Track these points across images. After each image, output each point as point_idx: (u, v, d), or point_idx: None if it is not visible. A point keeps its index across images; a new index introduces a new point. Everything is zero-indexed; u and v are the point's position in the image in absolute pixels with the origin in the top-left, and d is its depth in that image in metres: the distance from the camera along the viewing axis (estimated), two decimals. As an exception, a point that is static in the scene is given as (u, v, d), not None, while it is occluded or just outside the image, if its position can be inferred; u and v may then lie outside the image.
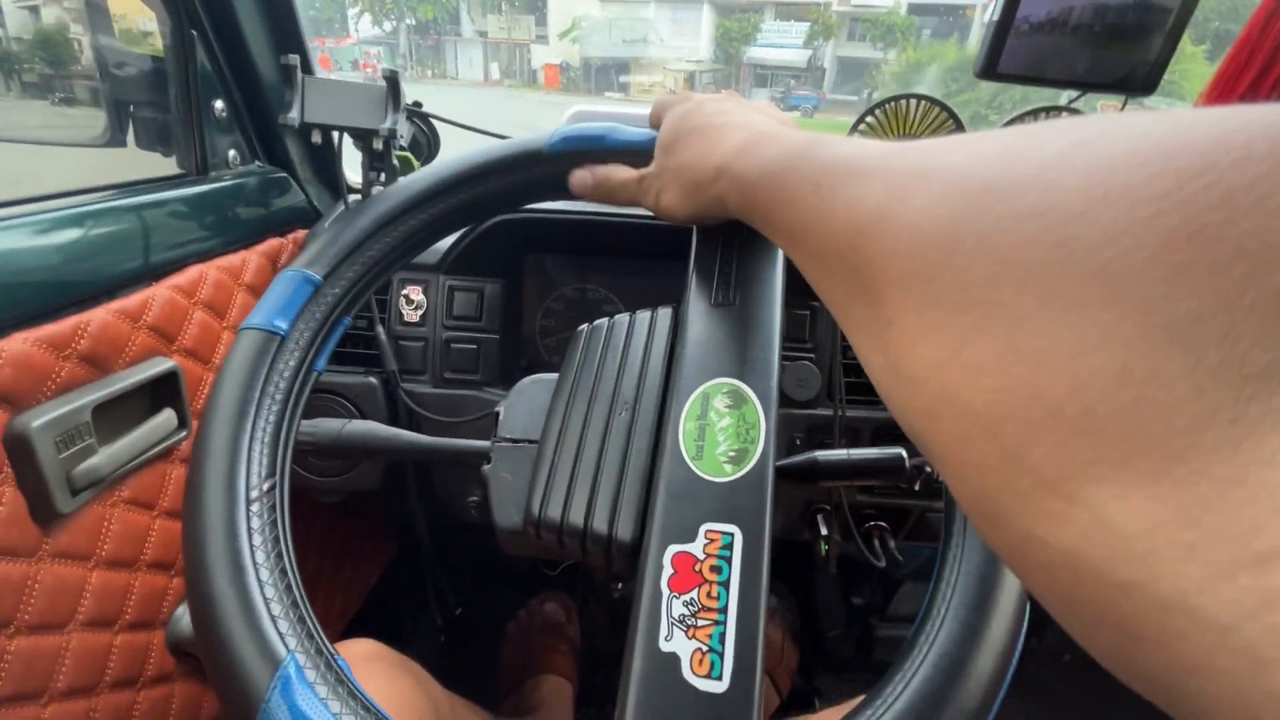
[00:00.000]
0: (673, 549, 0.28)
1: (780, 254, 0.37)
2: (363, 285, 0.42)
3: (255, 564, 0.30)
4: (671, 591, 0.27)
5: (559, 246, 0.74)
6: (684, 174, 0.34)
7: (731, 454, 0.30)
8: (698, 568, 0.28)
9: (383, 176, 0.56)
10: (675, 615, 0.27)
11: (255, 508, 0.32)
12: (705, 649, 0.26)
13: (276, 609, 0.28)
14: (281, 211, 0.71)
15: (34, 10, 0.69)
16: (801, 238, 0.23)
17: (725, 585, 0.27)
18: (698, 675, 0.26)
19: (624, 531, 0.31)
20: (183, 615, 0.58)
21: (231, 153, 0.66)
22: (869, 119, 0.71)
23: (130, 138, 0.62)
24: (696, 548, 0.28)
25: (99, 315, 0.46)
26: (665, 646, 0.26)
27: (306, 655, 0.27)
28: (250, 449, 0.33)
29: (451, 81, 36.11)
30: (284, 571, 0.30)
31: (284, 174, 0.72)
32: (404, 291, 0.66)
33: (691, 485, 0.30)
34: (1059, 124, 0.15)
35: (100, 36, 0.59)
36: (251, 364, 0.36)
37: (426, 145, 0.78)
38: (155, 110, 0.61)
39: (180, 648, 0.57)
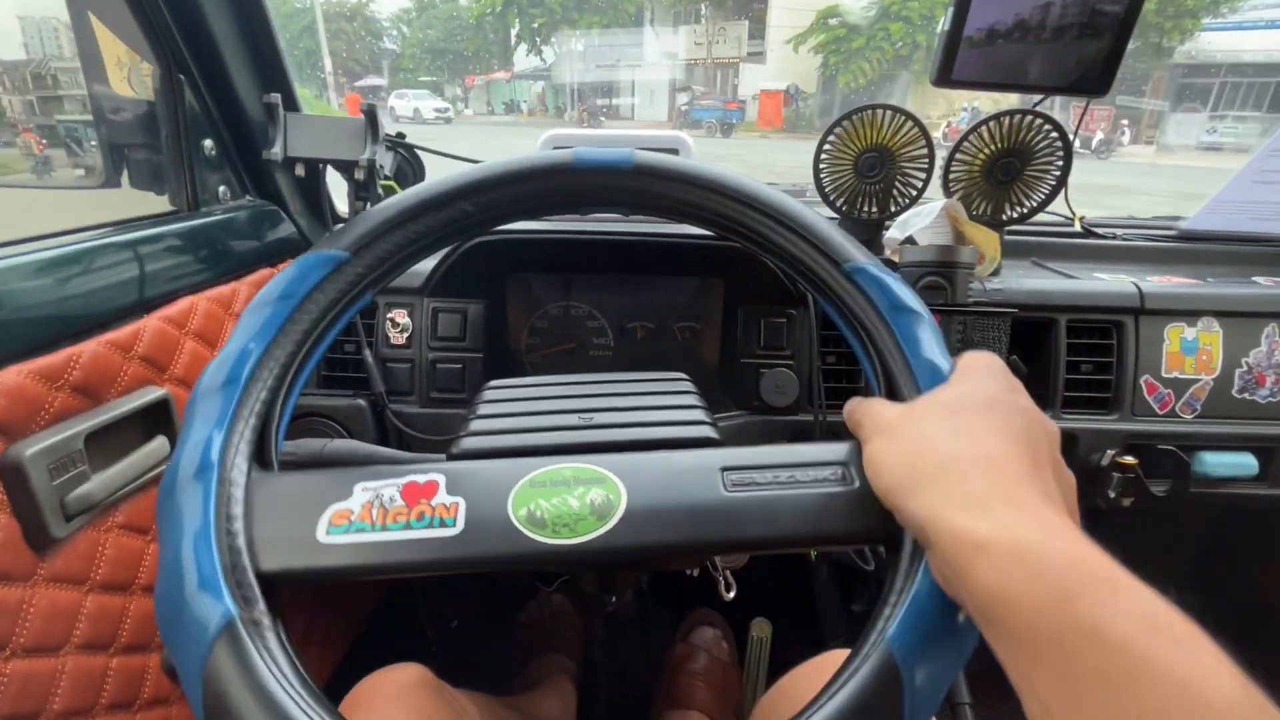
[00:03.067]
0: (440, 478, 0.33)
1: (820, 530, 0.33)
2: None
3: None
4: (399, 489, 0.32)
5: (541, 265, 0.76)
6: (932, 465, 0.27)
7: (538, 514, 0.32)
8: (423, 501, 0.32)
9: (368, 205, 0.58)
10: (383, 494, 0.32)
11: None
12: (349, 522, 0.31)
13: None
14: (273, 243, 0.73)
15: (31, 61, 0.73)
16: None
17: (407, 528, 0.31)
18: (329, 517, 0.31)
19: (459, 445, 0.36)
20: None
21: (222, 188, 0.68)
22: (837, 130, 0.72)
23: (125, 178, 0.65)
24: (441, 498, 0.32)
25: (90, 347, 0.48)
26: (356, 489, 0.32)
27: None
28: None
29: (625, 124, 24.23)
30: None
31: (274, 207, 0.75)
32: (389, 315, 0.68)
33: (500, 486, 0.32)
34: None
35: (94, 85, 0.62)
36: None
37: (412, 174, 0.81)
38: (148, 151, 0.64)
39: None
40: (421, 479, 0.33)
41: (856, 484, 0.33)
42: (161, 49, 0.59)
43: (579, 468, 0.34)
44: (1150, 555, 0.94)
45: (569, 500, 0.32)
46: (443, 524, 0.31)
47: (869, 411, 0.33)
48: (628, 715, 0.95)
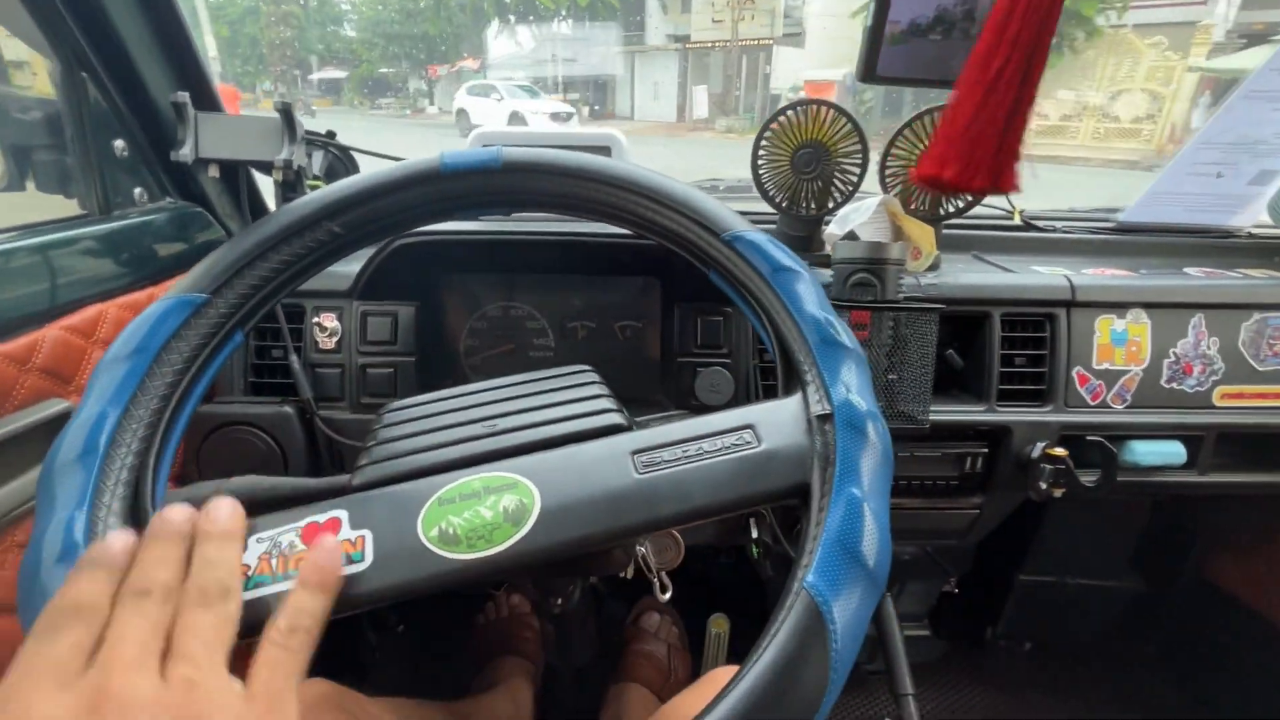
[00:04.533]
0: (340, 513, 0.32)
1: (737, 497, 0.34)
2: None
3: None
4: (299, 533, 0.31)
5: (477, 266, 0.74)
6: None
7: (450, 531, 0.31)
8: (326, 541, 0.31)
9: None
10: (282, 542, 0.31)
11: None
12: (247, 578, 0.29)
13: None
14: (198, 246, 0.71)
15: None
16: None
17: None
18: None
19: (360, 476, 0.34)
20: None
21: (138, 190, 0.66)
22: (773, 125, 0.72)
23: (32, 182, 0.62)
24: (347, 532, 0.31)
25: (-23, 360, 0.46)
26: (250, 542, 0.31)
27: None
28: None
29: (624, 123, 17.82)
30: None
31: (198, 209, 0.72)
32: (316, 319, 0.67)
33: (406, 509, 0.32)
34: None
35: (-9, 83, 0.59)
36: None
37: (344, 172, 0.79)
38: (54, 152, 0.62)
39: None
40: (322, 518, 0.31)
41: (762, 444, 0.34)
42: (59, 44, 0.57)
43: (488, 477, 0.33)
44: (1092, 543, 0.96)
45: (481, 511, 0.32)
46: (350, 560, 0.30)
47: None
48: (588, 716, 0.95)
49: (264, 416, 0.64)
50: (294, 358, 0.65)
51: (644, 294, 0.75)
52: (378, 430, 0.39)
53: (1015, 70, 0.45)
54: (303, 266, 0.41)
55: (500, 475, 0.33)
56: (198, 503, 0.46)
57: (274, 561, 0.30)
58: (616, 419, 0.38)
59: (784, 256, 0.40)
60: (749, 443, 0.34)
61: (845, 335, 0.38)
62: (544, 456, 0.34)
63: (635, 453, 0.34)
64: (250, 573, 0.30)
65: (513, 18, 20.15)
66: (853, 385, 0.36)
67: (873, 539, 0.31)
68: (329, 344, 0.67)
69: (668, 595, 0.61)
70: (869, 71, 0.58)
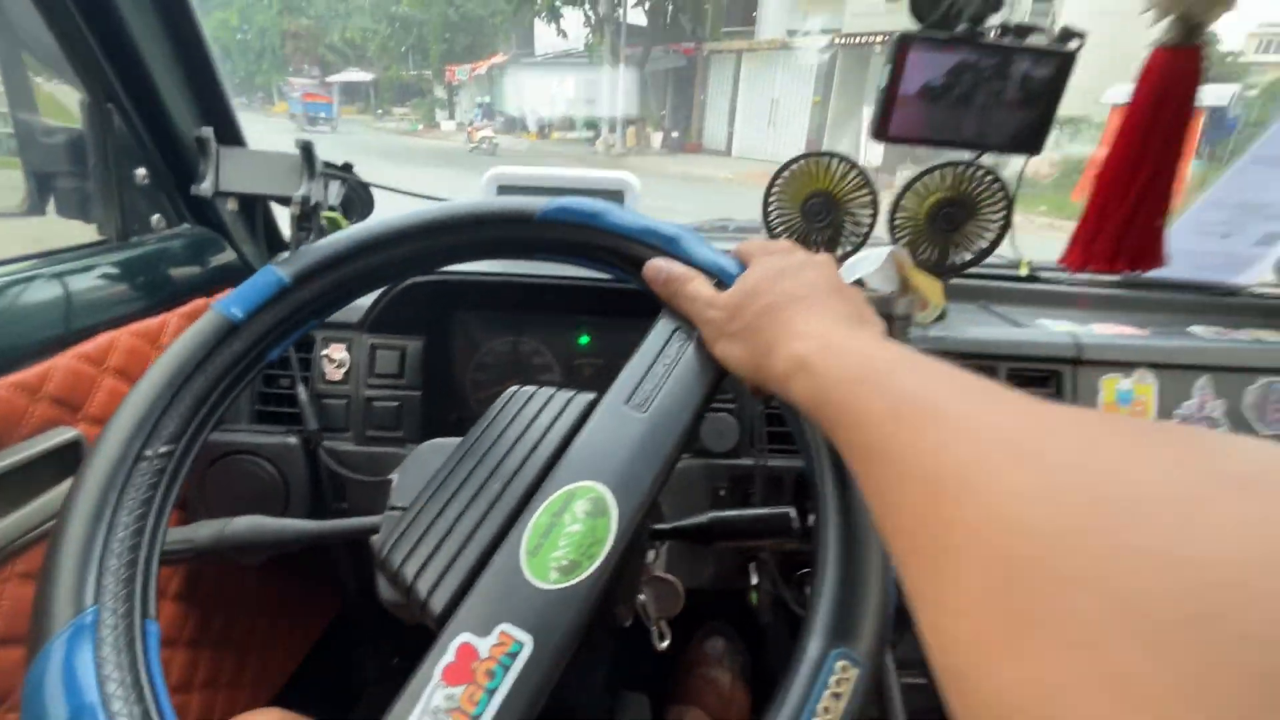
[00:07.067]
0: (463, 637, 0.28)
1: (707, 382, 0.37)
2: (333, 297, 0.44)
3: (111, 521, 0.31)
4: (441, 679, 0.27)
5: (487, 304, 0.75)
6: (760, 339, 0.33)
7: (564, 563, 0.30)
8: (475, 665, 0.27)
9: (311, 236, 0.57)
10: (433, 704, 0.26)
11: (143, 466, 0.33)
12: None
13: (111, 563, 0.30)
14: (212, 271, 0.72)
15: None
16: (868, 463, 0.22)
17: (490, 694, 0.26)
18: None
19: (438, 602, 0.30)
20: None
21: (156, 217, 0.67)
22: (780, 179, 0.73)
23: (52, 206, 0.63)
24: (484, 644, 0.28)
25: (-11, 391, 0.46)
26: None
27: (113, 615, 0.28)
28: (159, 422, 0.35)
29: (717, 161, 12.11)
30: (136, 543, 0.31)
31: (214, 234, 0.73)
32: (325, 351, 0.67)
33: (512, 580, 0.30)
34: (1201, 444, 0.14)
35: (19, 112, 0.60)
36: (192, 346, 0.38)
37: (360, 205, 0.80)
38: (76, 179, 0.63)
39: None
40: (451, 653, 0.28)
41: None
42: (89, 77, 0.58)
43: (545, 505, 0.33)
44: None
45: (569, 528, 0.31)
46: (513, 657, 0.27)
47: (685, 279, 0.39)
48: None
49: (268, 446, 0.64)
50: (301, 388, 0.65)
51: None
52: (406, 561, 0.34)
53: (1153, 154, 0.47)
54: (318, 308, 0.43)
55: (550, 499, 0.33)
56: (201, 543, 0.46)
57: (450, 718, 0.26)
58: (585, 396, 0.39)
59: (669, 226, 0.43)
60: None
61: None
62: (565, 456, 0.35)
63: (626, 402, 0.36)
64: (450, 710, 0.26)
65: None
66: None
67: None
68: (337, 375, 0.67)
69: (665, 644, 0.60)
70: (881, 130, 0.58)
